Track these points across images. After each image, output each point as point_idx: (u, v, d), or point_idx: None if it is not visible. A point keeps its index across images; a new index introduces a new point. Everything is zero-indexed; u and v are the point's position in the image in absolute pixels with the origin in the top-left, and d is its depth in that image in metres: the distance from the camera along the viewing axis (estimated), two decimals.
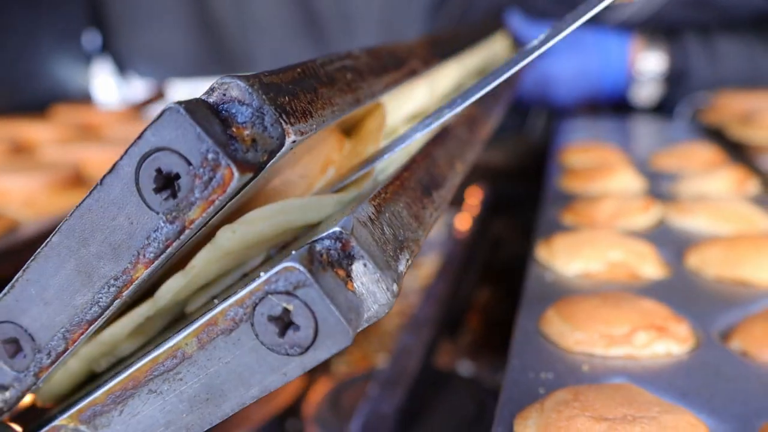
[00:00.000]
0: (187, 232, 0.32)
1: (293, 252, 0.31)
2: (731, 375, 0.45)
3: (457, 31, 0.84)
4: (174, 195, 0.31)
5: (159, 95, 1.84)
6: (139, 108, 1.67)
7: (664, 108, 1.37)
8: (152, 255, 0.32)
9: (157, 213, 0.32)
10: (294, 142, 0.33)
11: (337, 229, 0.32)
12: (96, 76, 2.15)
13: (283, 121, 0.32)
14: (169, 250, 0.32)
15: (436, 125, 0.43)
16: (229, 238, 0.36)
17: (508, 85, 0.91)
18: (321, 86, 0.38)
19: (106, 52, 2.29)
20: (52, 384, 0.42)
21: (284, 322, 0.30)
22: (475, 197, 1.38)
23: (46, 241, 0.34)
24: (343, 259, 0.32)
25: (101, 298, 0.34)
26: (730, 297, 0.57)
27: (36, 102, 1.55)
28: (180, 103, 0.30)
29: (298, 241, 0.37)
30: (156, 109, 1.80)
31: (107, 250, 0.33)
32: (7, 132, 1.25)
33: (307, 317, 0.29)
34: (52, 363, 0.36)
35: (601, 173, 0.89)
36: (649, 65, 1.34)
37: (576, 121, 1.34)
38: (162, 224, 0.32)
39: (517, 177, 1.41)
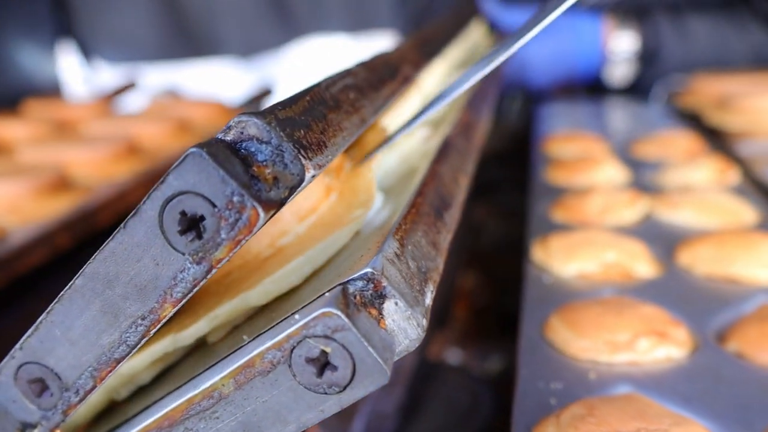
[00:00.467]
0: (213, 271, 0.32)
1: (327, 294, 0.32)
2: (731, 378, 0.47)
3: (438, 25, 0.84)
4: (199, 236, 0.32)
5: (130, 84, 1.80)
6: (110, 98, 1.64)
7: (638, 89, 1.39)
8: (180, 294, 0.33)
9: (183, 254, 0.32)
10: (313, 176, 0.33)
11: (368, 270, 0.33)
12: (63, 64, 2.10)
13: (302, 157, 0.33)
14: (196, 289, 0.33)
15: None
16: (261, 298, 0.37)
17: (493, 83, 0.92)
18: (330, 112, 0.39)
19: (70, 37, 2.24)
20: (73, 416, 0.43)
21: (322, 363, 0.31)
22: None
23: (70, 284, 0.34)
24: (376, 299, 0.33)
25: (129, 337, 0.34)
26: (722, 296, 0.60)
27: (5, 96, 1.52)
28: (201, 146, 0.31)
29: (320, 277, 0.38)
30: (127, 99, 1.77)
31: (133, 291, 0.33)
32: None
33: (345, 359, 0.31)
34: (81, 400, 0.37)
35: (586, 165, 0.91)
36: (621, 45, 1.36)
37: (554, 106, 1.35)
38: (189, 265, 0.32)
39: (496, 161, 1.43)
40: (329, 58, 2.04)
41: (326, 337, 0.31)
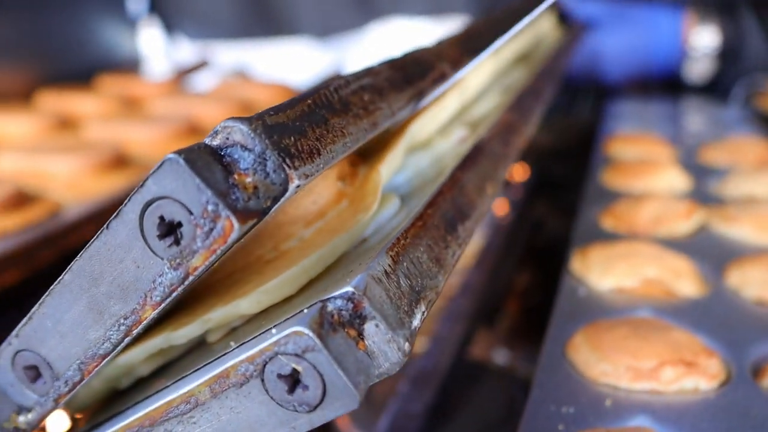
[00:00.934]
0: (191, 278, 0.32)
1: (305, 311, 0.31)
2: (761, 417, 0.44)
3: (496, 17, 0.81)
4: (177, 242, 0.31)
5: (203, 63, 1.84)
6: (183, 76, 1.68)
7: (717, 88, 1.31)
8: (158, 298, 0.33)
9: (162, 259, 0.32)
10: (298, 186, 0.32)
11: (349, 289, 0.31)
12: (144, 40, 2.16)
13: (286, 166, 0.32)
14: (174, 294, 0.32)
15: None
16: (253, 306, 0.37)
17: (550, 80, 0.88)
18: (333, 116, 0.37)
19: (154, 13, 2.30)
20: (79, 398, 0.44)
21: (293, 380, 0.30)
22: (519, 177, 1.36)
23: (59, 279, 0.35)
24: (355, 319, 0.31)
25: (112, 335, 0.35)
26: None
27: (83, 70, 1.57)
28: (180, 152, 0.30)
29: (315, 286, 0.37)
30: (199, 78, 1.81)
31: (116, 290, 0.33)
32: (52, 105, 1.27)
33: (316, 379, 0.30)
34: (70, 391, 0.37)
35: (645, 170, 0.86)
36: (702, 40, 1.28)
37: (625, 104, 1.29)
38: (166, 270, 0.32)
39: (562, 158, 1.38)
40: (406, 41, 2.02)
41: (297, 355, 0.30)
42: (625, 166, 0.90)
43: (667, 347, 0.48)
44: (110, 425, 0.37)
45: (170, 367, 0.42)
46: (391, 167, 0.47)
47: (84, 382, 0.37)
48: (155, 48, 2.33)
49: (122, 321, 0.34)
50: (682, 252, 0.68)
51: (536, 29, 1.04)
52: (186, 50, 2.39)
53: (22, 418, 0.38)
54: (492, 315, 1.15)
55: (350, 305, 0.31)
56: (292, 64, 2.17)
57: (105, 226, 0.32)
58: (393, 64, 0.49)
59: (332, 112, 0.38)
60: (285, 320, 0.32)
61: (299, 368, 0.30)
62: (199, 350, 0.41)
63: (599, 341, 0.50)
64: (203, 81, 1.76)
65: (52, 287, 0.35)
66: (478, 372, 0.94)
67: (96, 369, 0.36)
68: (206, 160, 0.31)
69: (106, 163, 0.94)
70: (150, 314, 0.33)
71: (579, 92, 1.49)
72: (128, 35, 1.94)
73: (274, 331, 0.31)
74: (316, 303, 0.32)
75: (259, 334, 0.32)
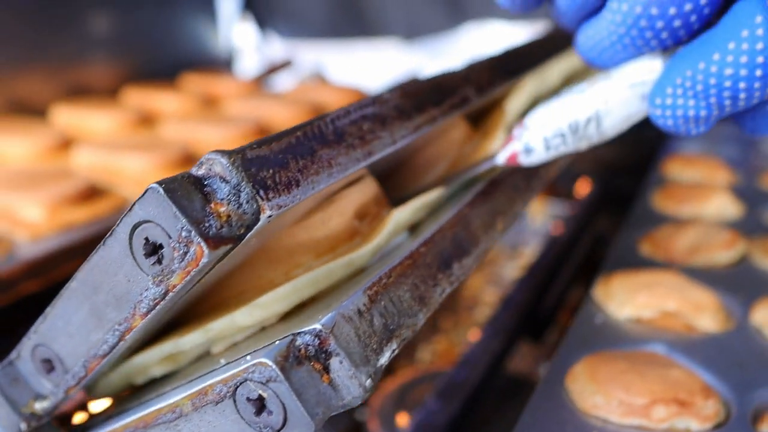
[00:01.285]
0: (171, 295, 0.35)
1: (277, 342, 0.34)
2: None
3: (542, 39, 0.80)
4: (159, 261, 0.35)
5: (287, 63, 1.90)
6: (265, 76, 1.74)
7: None
8: (145, 310, 0.36)
9: (147, 275, 0.35)
10: (270, 216, 0.35)
11: (317, 326, 0.34)
12: (237, 37, 2.25)
13: (259, 198, 0.34)
14: (158, 307, 0.36)
15: None
16: (246, 318, 0.40)
17: None
18: (323, 147, 0.40)
19: (248, 11, 2.39)
20: (100, 389, 0.48)
21: (261, 404, 0.33)
22: (582, 190, 1.34)
23: (67, 285, 0.39)
24: (321, 354, 0.34)
25: (109, 338, 0.39)
26: None
27: (173, 67, 1.66)
28: (162, 182, 0.33)
29: (306, 311, 0.40)
30: (281, 78, 1.87)
31: (112, 299, 0.37)
32: (136, 101, 1.36)
33: (278, 406, 0.33)
34: (77, 384, 0.42)
35: (695, 195, 0.83)
36: None
37: None
38: (150, 285, 0.35)
39: (631, 172, 1.35)
40: (492, 45, 2.01)
41: (263, 383, 0.33)
42: (675, 188, 0.88)
43: (663, 385, 0.48)
44: (114, 422, 0.41)
45: (179, 372, 0.46)
46: (408, 213, 0.48)
47: (89, 377, 0.41)
48: (248, 45, 2.42)
49: (117, 327, 0.38)
50: (715, 284, 0.67)
51: None
52: (277, 48, 2.47)
53: (38, 405, 0.43)
54: (540, 329, 1.15)
55: (317, 341, 0.34)
56: (377, 65, 2.21)
57: (102, 242, 0.36)
58: (407, 91, 0.51)
59: (323, 143, 0.40)
60: (258, 349, 0.35)
61: (264, 395, 0.33)
62: (203, 360, 0.45)
63: (596, 372, 0.50)
64: (284, 81, 1.82)
65: (61, 291, 0.39)
66: (514, 386, 0.94)
67: (97, 368, 0.40)
68: (187, 189, 0.34)
69: (174, 162, 1.01)
70: (139, 323, 0.37)
71: None
72: (218, 33, 2.03)
73: (248, 358, 0.34)
74: (287, 336, 0.35)
75: (238, 358, 0.36)
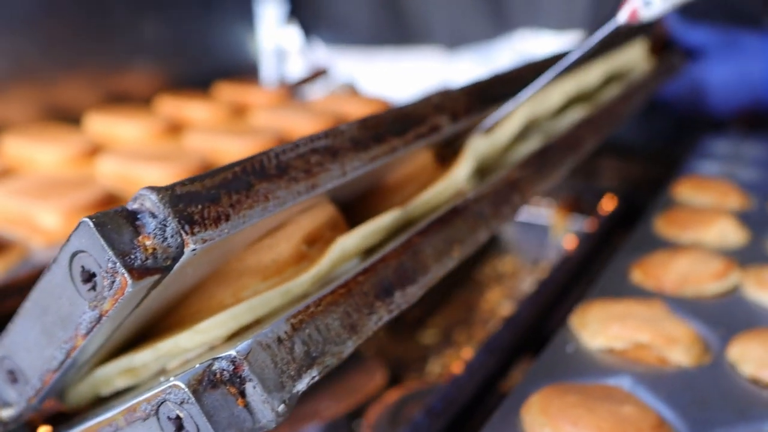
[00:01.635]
0: (104, 319, 0.38)
1: (196, 366, 0.36)
2: None
3: (534, 64, 0.79)
4: (94, 288, 0.37)
5: (322, 71, 1.93)
6: (299, 85, 1.78)
7: None
8: (84, 332, 0.39)
9: (85, 300, 0.38)
10: (194, 250, 0.37)
11: (232, 353, 0.36)
12: (279, 43, 2.28)
13: (183, 232, 0.37)
14: (95, 329, 0.39)
15: None
16: (188, 342, 0.42)
17: (598, 127, 0.85)
18: (261, 181, 0.42)
19: (293, 17, 2.43)
20: (71, 398, 0.51)
21: (179, 423, 0.36)
22: (607, 207, 1.33)
23: (23, 304, 0.42)
24: (236, 378, 0.36)
25: (57, 355, 0.42)
26: (750, 406, 0.53)
27: (211, 74, 1.70)
28: (94, 216, 0.36)
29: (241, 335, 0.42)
30: (315, 86, 1.90)
31: (58, 320, 0.40)
32: (168, 109, 1.41)
33: (193, 426, 0.36)
34: (36, 395, 0.45)
35: (697, 220, 0.82)
36: None
37: (719, 141, 1.21)
38: (87, 310, 0.38)
39: (656, 188, 1.32)
40: (532, 55, 2.00)
41: (178, 404, 0.35)
42: (679, 213, 0.86)
43: (611, 421, 0.48)
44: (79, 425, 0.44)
45: (140, 385, 0.49)
46: (356, 239, 0.49)
47: (45, 389, 0.44)
48: (292, 51, 2.47)
49: (63, 345, 0.41)
50: (699, 315, 0.66)
51: (623, 58, 1.01)
52: (321, 54, 2.51)
53: (4, 413, 0.46)
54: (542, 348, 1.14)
55: (232, 366, 0.36)
56: (418, 74, 2.22)
57: (48, 267, 0.39)
58: (367, 122, 0.52)
59: (262, 178, 0.42)
60: (179, 373, 0.37)
61: (181, 415, 0.36)
62: (158, 375, 0.48)
63: (549, 405, 0.51)
64: (316, 90, 1.85)
65: (19, 309, 0.42)
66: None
67: (51, 380, 0.43)
68: (118, 222, 0.37)
69: (190, 173, 1.04)
70: (81, 343, 0.40)
71: (683, 123, 1.42)
72: (258, 40, 2.06)
73: (172, 379, 0.37)
74: (208, 360, 0.37)
75: (164, 380, 0.38)
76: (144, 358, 0.46)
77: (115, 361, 0.47)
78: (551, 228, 1.42)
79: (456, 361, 1.13)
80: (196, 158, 1.09)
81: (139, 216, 0.37)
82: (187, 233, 0.37)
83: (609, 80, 1.05)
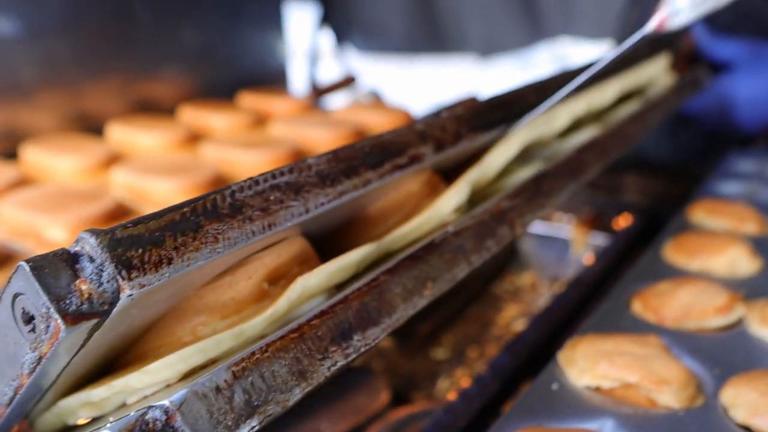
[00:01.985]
0: (44, 361, 0.38)
1: (131, 413, 0.36)
2: None
3: (534, 85, 0.77)
4: (34, 330, 0.37)
5: (350, 79, 1.93)
6: (323, 93, 1.77)
7: None
8: (27, 371, 0.39)
9: (26, 341, 0.38)
10: (131, 296, 0.37)
11: (165, 402, 0.36)
12: (311, 50, 2.29)
13: (120, 278, 0.36)
14: (38, 370, 0.39)
15: None
16: (137, 383, 0.42)
17: (603, 150, 0.82)
18: (211, 222, 0.41)
19: (326, 23, 2.43)
20: (38, 426, 0.52)
21: None
22: (625, 224, 1.29)
23: None
24: (168, 429, 0.36)
25: (7, 391, 0.42)
26: None
27: (239, 82, 1.71)
28: (31, 259, 0.36)
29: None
30: (341, 95, 1.90)
31: (6, 358, 0.41)
32: (190, 119, 1.42)
33: None
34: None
35: (707, 247, 0.79)
36: None
37: (745, 159, 1.16)
38: (28, 351, 0.38)
39: (678, 204, 1.28)
40: (567, 63, 1.97)
41: None
42: (689, 239, 0.83)
43: None
44: None
45: (104, 416, 0.49)
46: (318, 277, 0.48)
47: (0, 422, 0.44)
48: (325, 58, 2.47)
49: (11, 382, 0.41)
50: (698, 353, 0.63)
51: (627, 80, 0.98)
52: (353, 61, 2.51)
53: None
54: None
55: (164, 417, 0.36)
56: (451, 81, 2.20)
57: None
58: (338, 155, 0.51)
59: (212, 218, 0.41)
60: (118, 418, 0.37)
61: None
62: (121, 408, 0.48)
63: None
64: (341, 99, 1.84)
65: None
66: None
67: (4, 414, 0.44)
68: (57, 266, 0.37)
69: (200, 186, 1.05)
70: (27, 381, 0.40)
71: (711, 138, 1.37)
72: (285, 47, 2.06)
73: (108, 425, 0.37)
74: (143, 408, 0.36)
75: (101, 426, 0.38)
76: (100, 394, 0.46)
77: (75, 395, 0.47)
78: (572, 243, 1.39)
79: (464, 379, 1.12)
80: (209, 171, 1.09)
81: (79, 259, 0.37)
82: (123, 278, 0.36)
83: (627, 96, 1.02)
